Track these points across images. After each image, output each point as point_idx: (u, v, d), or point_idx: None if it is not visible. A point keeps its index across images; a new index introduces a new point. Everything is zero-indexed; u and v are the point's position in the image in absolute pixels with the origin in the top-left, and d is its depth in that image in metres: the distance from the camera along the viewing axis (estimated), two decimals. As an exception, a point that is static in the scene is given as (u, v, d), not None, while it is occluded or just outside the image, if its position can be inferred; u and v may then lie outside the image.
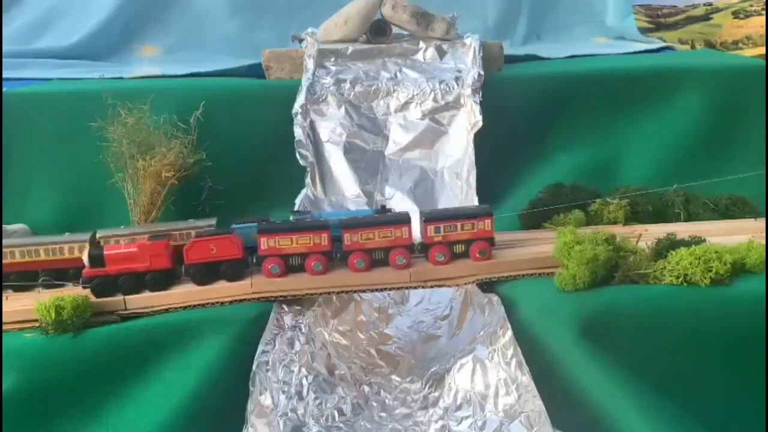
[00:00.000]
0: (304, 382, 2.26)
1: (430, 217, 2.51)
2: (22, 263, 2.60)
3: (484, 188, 3.09)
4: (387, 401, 2.40)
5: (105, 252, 2.40)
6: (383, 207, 2.73)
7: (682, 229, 2.59)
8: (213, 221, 2.65)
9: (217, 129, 3.18)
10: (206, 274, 2.43)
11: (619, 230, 2.70)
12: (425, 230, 2.50)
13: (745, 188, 3.05)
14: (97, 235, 2.60)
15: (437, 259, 2.49)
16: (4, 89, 3.34)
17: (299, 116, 3.22)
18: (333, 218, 2.55)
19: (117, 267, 2.38)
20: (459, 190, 3.17)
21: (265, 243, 2.44)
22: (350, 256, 2.46)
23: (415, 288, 2.51)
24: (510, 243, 2.69)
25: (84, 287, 2.40)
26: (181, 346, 2.22)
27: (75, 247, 2.60)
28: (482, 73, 3.35)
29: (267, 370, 2.19)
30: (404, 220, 2.50)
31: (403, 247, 2.48)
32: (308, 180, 3.14)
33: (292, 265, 2.46)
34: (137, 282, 2.39)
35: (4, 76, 3.72)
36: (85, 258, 2.41)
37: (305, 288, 2.46)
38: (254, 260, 2.49)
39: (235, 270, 2.45)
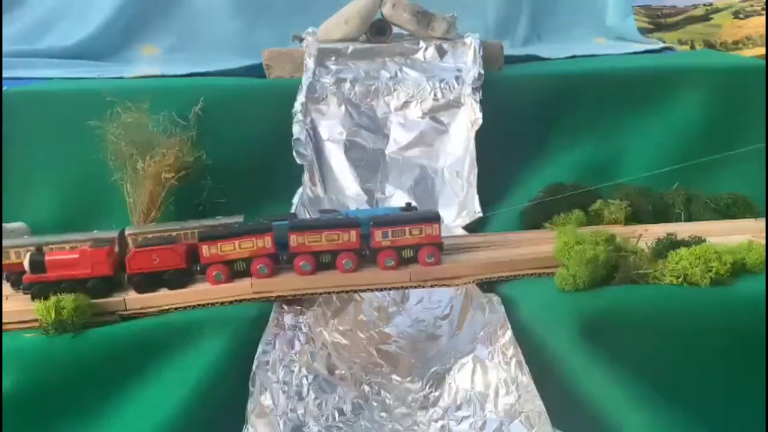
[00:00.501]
0: (304, 382, 2.26)
1: (377, 222, 2.48)
2: None
3: (484, 187, 3.09)
4: (387, 401, 2.40)
5: (46, 258, 2.35)
6: (408, 204, 2.72)
7: (683, 229, 2.59)
8: (240, 218, 2.63)
9: (217, 128, 3.18)
10: (149, 283, 2.40)
11: (620, 230, 2.70)
12: (373, 235, 2.47)
13: (745, 188, 3.05)
14: (126, 232, 2.58)
15: (386, 264, 2.46)
16: (4, 89, 3.33)
17: (299, 115, 3.22)
18: (363, 216, 2.56)
19: (58, 273, 2.34)
20: (459, 189, 3.17)
21: (294, 240, 2.44)
22: (378, 254, 2.46)
23: (415, 288, 2.51)
24: (510, 243, 2.70)
25: (24, 293, 2.36)
26: (181, 346, 2.22)
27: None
28: (482, 72, 3.35)
29: (267, 370, 2.19)
30: (433, 217, 2.50)
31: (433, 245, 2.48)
32: (306, 178, 3.14)
33: (322, 262, 2.46)
34: (77, 289, 2.33)
35: (4, 75, 3.71)
36: (26, 263, 2.36)
37: (305, 288, 2.45)
38: (284, 258, 2.48)
39: (178, 279, 2.42)
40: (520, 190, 3.23)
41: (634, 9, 5.16)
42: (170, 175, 2.93)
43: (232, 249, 2.42)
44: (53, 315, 2.19)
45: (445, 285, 2.53)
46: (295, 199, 3.08)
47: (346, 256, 2.45)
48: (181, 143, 3.02)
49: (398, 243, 2.47)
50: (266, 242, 2.44)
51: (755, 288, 2.25)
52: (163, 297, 2.37)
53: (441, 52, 3.51)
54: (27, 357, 2.13)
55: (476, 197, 3.09)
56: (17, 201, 3.22)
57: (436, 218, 2.50)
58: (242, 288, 2.40)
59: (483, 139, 3.19)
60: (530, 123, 3.46)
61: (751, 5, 5.18)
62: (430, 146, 3.29)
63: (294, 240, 2.44)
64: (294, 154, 3.15)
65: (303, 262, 2.44)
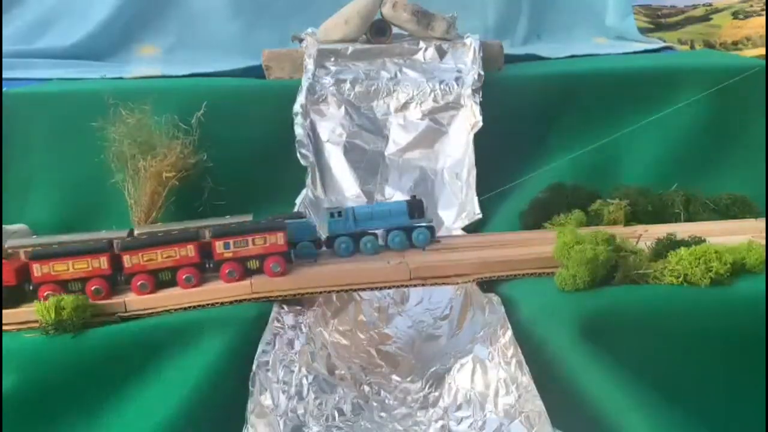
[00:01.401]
0: (304, 382, 2.26)
1: (218, 233, 2.42)
2: None
3: (484, 188, 3.09)
4: (387, 401, 2.40)
5: None
6: (414, 197, 2.72)
7: (682, 229, 2.59)
8: (249, 217, 2.61)
9: (217, 129, 3.18)
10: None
11: (619, 230, 2.70)
12: (214, 246, 2.42)
13: (745, 188, 3.06)
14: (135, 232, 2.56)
15: (229, 276, 2.40)
16: (4, 89, 3.33)
17: (299, 116, 3.22)
18: (361, 212, 2.61)
19: None
20: (459, 190, 3.17)
21: (129, 261, 2.36)
22: (221, 265, 2.40)
23: (415, 286, 2.51)
24: (510, 243, 2.70)
25: None
26: (181, 346, 2.22)
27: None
28: (482, 73, 3.35)
29: (267, 370, 2.19)
30: (278, 226, 2.44)
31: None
32: (309, 180, 3.14)
33: (162, 280, 2.40)
34: None
35: (4, 76, 3.71)
36: None
37: (305, 287, 2.46)
38: (210, 265, 2.44)
39: (9, 297, 2.32)
40: (520, 191, 3.23)
41: (634, 9, 5.17)
42: (171, 174, 2.93)
43: (155, 259, 2.38)
44: (53, 315, 2.19)
45: (445, 284, 2.53)
46: (298, 200, 3.08)
47: (186, 272, 2.39)
48: (182, 143, 3.02)
49: (241, 254, 2.42)
50: (189, 251, 2.40)
51: (755, 288, 2.25)
52: (163, 297, 2.37)
53: (441, 53, 3.51)
54: (27, 357, 2.13)
55: (476, 199, 3.09)
56: (17, 202, 3.22)
57: (280, 227, 2.45)
58: (242, 288, 2.40)
59: (483, 139, 3.19)
60: (530, 123, 3.46)
61: (751, 6, 5.19)
62: (429, 148, 3.29)
63: (128, 261, 2.37)
64: (298, 155, 3.15)
65: (141, 282, 2.36)
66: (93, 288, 2.35)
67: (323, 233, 2.68)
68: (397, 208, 2.68)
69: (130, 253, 2.37)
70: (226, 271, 2.40)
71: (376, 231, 2.67)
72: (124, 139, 2.96)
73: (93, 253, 2.36)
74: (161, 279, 2.40)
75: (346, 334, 2.68)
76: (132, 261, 2.38)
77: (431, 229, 2.69)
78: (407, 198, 2.76)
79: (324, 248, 2.66)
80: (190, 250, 2.40)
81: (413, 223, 2.67)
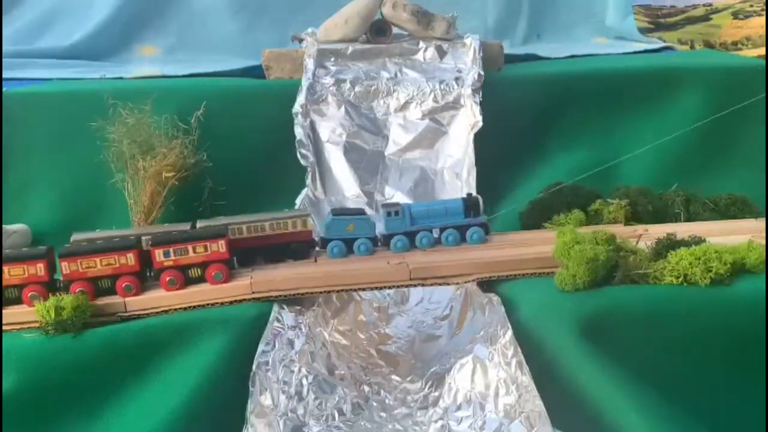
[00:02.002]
0: (304, 382, 2.25)
1: (157, 241, 2.40)
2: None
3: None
4: (387, 401, 2.40)
5: None
6: (470, 195, 2.74)
7: (682, 229, 2.59)
8: (308, 213, 2.65)
9: (217, 129, 3.18)
10: None
11: (619, 230, 2.70)
12: (153, 255, 2.39)
13: (745, 188, 3.05)
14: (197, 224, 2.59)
15: (169, 285, 2.36)
16: (4, 89, 3.34)
17: (299, 116, 3.22)
18: (417, 209, 2.64)
19: None
20: (459, 191, 3.17)
21: (66, 267, 2.32)
22: (161, 274, 2.38)
23: (415, 286, 2.51)
24: (510, 243, 2.70)
25: None
26: (181, 346, 2.22)
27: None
28: (482, 73, 3.35)
29: (267, 370, 2.19)
30: (218, 234, 2.41)
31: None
32: (309, 180, 3.14)
33: (101, 288, 2.36)
34: None
35: (4, 76, 3.72)
36: None
37: (305, 287, 2.46)
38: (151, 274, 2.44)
39: None
40: (519, 191, 3.23)
41: (634, 9, 5.17)
42: (171, 174, 2.93)
43: (94, 266, 2.35)
44: (53, 315, 2.18)
45: (445, 284, 2.53)
46: (298, 200, 3.08)
47: (125, 280, 2.35)
48: (181, 143, 3.02)
49: (182, 262, 2.38)
50: (129, 259, 2.38)
51: (755, 288, 2.25)
52: (163, 298, 2.37)
53: (441, 53, 3.51)
54: (27, 357, 2.13)
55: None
56: (17, 203, 3.23)
57: (221, 234, 2.42)
58: (242, 288, 2.40)
59: (483, 139, 3.19)
60: (530, 123, 3.46)
61: (751, 6, 5.19)
62: (429, 148, 3.29)
63: (66, 267, 2.32)
64: (298, 155, 3.15)
65: (79, 289, 2.31)
66: (123, 285, 2.36)
67: (321, 232, 2.69)
68: (453, 206, 2.70)
69: (68, 260, 2.33)
70: (167, 280, 2.37)
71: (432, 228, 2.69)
72: (123, 139, 2.96)
73: (121, 251, 2.36)
74: (100, 287, 2.35)
75: (346, 334, 2.68)
76: (70, 268, 2.33)
77: (485, 228, 2.71)
78: (464, 196, 2.77)
79: (380, 245, 2.69)
80: (129, 258, 2.36)
81: (468, 221, 2.69)
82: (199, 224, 2.59)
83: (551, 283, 2.35)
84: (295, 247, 2.59)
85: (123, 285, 2.35)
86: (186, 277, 2.40)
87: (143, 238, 2.47)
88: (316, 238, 2.67)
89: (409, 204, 2.73)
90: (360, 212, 2.71)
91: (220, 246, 2.40)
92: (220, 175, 3.14)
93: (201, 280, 2.40)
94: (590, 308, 2.20)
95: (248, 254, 2.57)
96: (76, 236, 2.50)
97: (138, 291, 2.37)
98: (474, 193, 2.79)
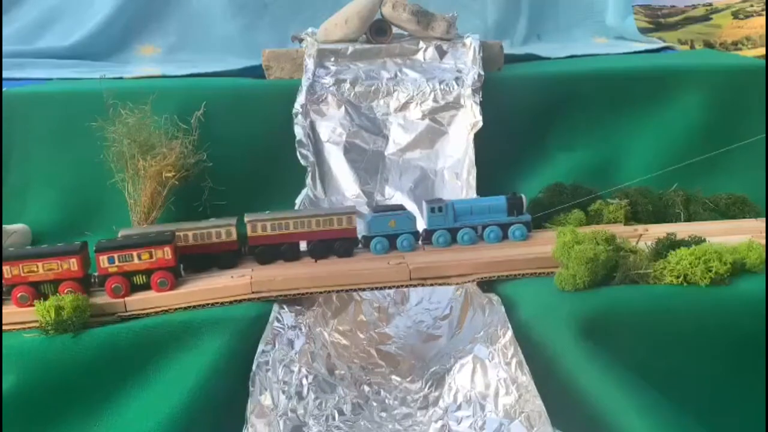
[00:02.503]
0: (304, 382, 2.26)
1: (101, 247, 2.36)
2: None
3: (484, 188, 3.09)
4: (387, 401, 2.40)
5: None
6: (514, 194, 2.76)
7: (682, 229, 2.59)
8: (354, 210, 2.68)
9: (217, 129, 3.18)
10: None
11: (619, 230, 2.70)
12: (98, 261, 2.35)
13: (745, 188, 3.05)
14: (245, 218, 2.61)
15: (115, 293, 2.34)
16: (4, 89, 3.33)
17: (299, 116, 3.22)
18: (460, 206, 2.68)
19: None
20: (459, 190, 3.17)
21: (8, 272, 2.30)
22: (106, 281, 2.34)
23: (415, 286, 2.51)
24: (510, 243, 2.70)
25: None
26: (181, 346, 2.22)
27: (222, 232, 2.58)
28: (482, 73, 3.35)
29: (267, 370, 2.19)
30: (164, 240, 2.39)
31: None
32: (309, 180, 3.14)
33: (43, 292, 2.33)
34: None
35: (4, 76, 3.71)
36: None
37: (305, 287, 2.46)
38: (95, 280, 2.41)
39: None
40: (519, 191, 3.22)
41: (634, 9, 5.17)
42: (171, 174, 2.92)
43: (35, 271, 2.32)
44: (53, 315, 2.18)
45: (445, 284, 2.53)
46: (298, 200, 3.08)
47: (68, 285, 2.32)
48: (181, 143, 3.02)
49: (126, 268, 2.36)
50: (72, 264, 2.33)
51: (755, 288, 2.25)
52: (163, 297, 2.37)
53: (441, 53, 3.51)
54: (27, 357, 2.13)
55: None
56: (17, 202, 3.22)
57: (167, 241, 2.40)
58: (242, 288, 2.41)
59: (483, 139, 3.18)
60: (530, 123, 3.46)
61: (751, 5, 5.19)
62: (429, 148, 3.29)
63: (8, 272, 2.29)
64: (298, 155, 3.15)
65: (21, 294, 2.29)
66: (66, 290, 2.32)
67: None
68: (496, 204, 2.73)
69: (10, 264, 2.30)
70: (112, 286, 2.35)
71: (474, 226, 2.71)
72: (123, 139, 2.96)
73: (64, 256, 2.32)
74: (43, 292, 2.32)
75: (346, 334, 2.68)
76: (12, 272, 2.30)
77: (528, 226, 2.73)
78: (507, 195, 2.79)
79: (422, 241, 2.72)
80: (72, 264, 2.34)
81: (511, 219, 2.71)
82: (265, 215, 2.62)
83: (551, 283, 2.35)
84: (340, 245, 2.63)
85: (65, 291, 2.32)
86: (131, 283, 2.37)
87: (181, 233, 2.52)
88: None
89: (453, 200, 2.76)
90: (401, 208, 2.74)
91: (166, 253, 2.38)
92: (220, 175, 3.13)
93: (146, 287, 2.37)
94: (590, 308, 2.20)
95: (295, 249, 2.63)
96: (123, 232, 2.53)
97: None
98: (519, 193, 2.81)
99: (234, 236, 2.58)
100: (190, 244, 2.55)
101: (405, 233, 2.66)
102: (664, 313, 2.21)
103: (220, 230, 2.57)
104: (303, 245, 2.66)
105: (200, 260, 2.56)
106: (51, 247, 2.39)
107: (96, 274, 2.39)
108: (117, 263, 2.36)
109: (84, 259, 2.36)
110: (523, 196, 2.77)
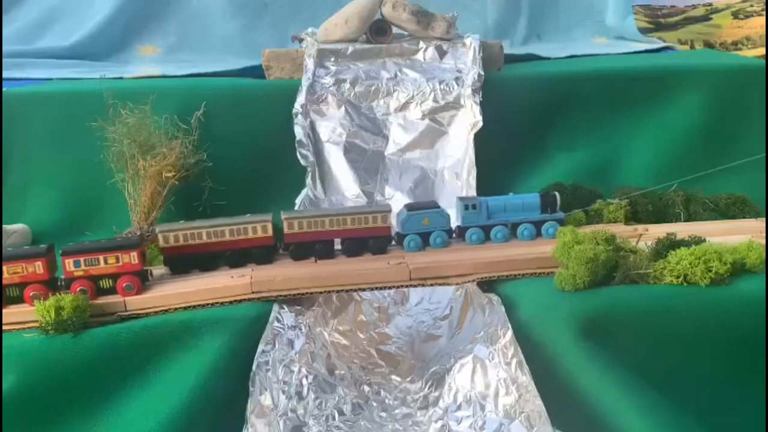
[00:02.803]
0: (304, 382, 2.26)
1: (67, 251, 2.35)
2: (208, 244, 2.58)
3: (484, 188, 3.09)
4: (387, 401, 2.40)
5: None
6: (548, 192, 2.77)
7: (682, 229, 2.59)
8: (388, 209, 2.68)
9: (217, 129, 3.18)
10: None
11: (619, 230, 2.70)
12: (64, 264, 2.34)
13: (745, 188, 3.05)
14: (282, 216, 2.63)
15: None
16: (4, 89, 3.34)
17: (299, 116, 3.22)
18: (494, 203, 2.70)
19: None
20: (459, 190, 3.17)
21: None
22: (72, 284, 2.32)
23: (415, 286, 2.51)
24: (510, 243, 2.70)
25: None
26: (181, 346, 2.22)
27: (258, 227, 2.60)
28: (482, 73, 3.35)
29: (267, 370, 2.19)
30: (132, 245, 2.39)
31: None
32: (309, 180, 3.14)
33: (10, 296, 2.33)
34: None
35: (4, 76, 3.72)
36: None
37: (305, 287, 2.46)
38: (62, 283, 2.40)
39: None
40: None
41: (634, 9, 5.17)
42: (171, 174, 2.92)
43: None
44: (53, 315, 2.18)
45: (445, 284, 2.53)
46: (298, 200, 3.08)
47: (33, 289, 2.31)
48: (181, 143, 3.02)
49: (92, 272, 2.34)
50: (37, 267, 2.31)
51: (755, 288, 2.25)
52: (163, 297, 2.37)
53: (441, 53, 3.51)
54: (27, 357, 2.13)
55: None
56: (17, 202, 3.22)
57: (134, 245, 2.39)
58: (242, 288, 2.41)
59: (483, 139, 3.19)
60: (530, 123, 3.46)
61: (751, 5, 5.19)
62: (429, 148, 3.29)
63: None
64: (298, 155, 3.15)
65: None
66: (30, 294, 2.32)
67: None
68: (530, 201, 2.74)
69: None
70: (77, 290, 2.33)
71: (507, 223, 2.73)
72: (123, 139, 2.96)
73: (29, 259, 2.31)
74: (9, 295, 2.31)
75: (346, 334, 2.68)
76: None
77: (561, 223, 2.74)
78: (540, 192, 2.82)
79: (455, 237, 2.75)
80: (38, 267, 2.33)
81: (545, 216, 2.73)
82: (303, 212, 2.70)
83: (551, 283, 2.35)
84: (374, 242, 2.64)
85: (30, 294, 2.32)
86: (97, 287, 2.36)
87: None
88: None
89: (486, 198, 2.77)
90: (434, 206, 2.74)
91: (132, 257, 2.37)
92: (220, 175, 3.14)
93: (113, 291, 2.36)
94: (590, 308, 2.20)
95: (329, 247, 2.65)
96: (161, 227, 2.57)
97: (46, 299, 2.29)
98: (554, 192, 2.81)
99: (270, 232, 2.60)
100: (226, 240, 2.57)
101: (438, 230, 2.67)
102: (664, 313, 2.20)
103: (256, 226, 2.59)
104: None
105: (235, 256, 2.58)
106: (16, 250, 2.38)
107: (62, 277, 2.38)
108: (83, 267, 2.35)
109: (50, 262, 2.35)
110: (556, 193, 2.78)
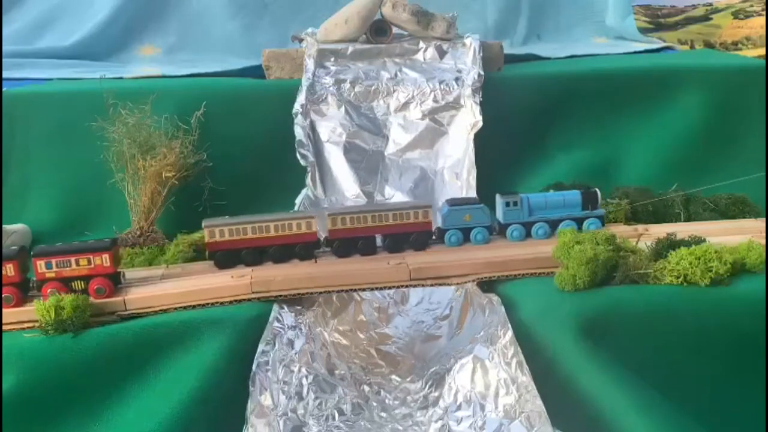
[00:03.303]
0: (304, 382, 2.25)
1: (39, 252, 2.33)
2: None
3: (484, 188, 3.09)
4: (387, 401, 2.40)
5: None
6: (588, 188, 2.77)
7: (682, 229, 2.59)
8: (428, 205, 2.70)
9: (217, 129, 3.18)
10: None
11: (619, 230, 2.70)
12: (36, 266, 2.32)
13: (745, 188, 3.05)
14: (326, 213, 2.65)
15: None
16: (4, 89, 3.33)
17: (299, 116, 3.22)
18: (535, 199, 2.70)
19: None
20: (459, 191, 3.17)
21: None
22: (43, 286, 2.31)
23: (415, 286, 2.51)
24: (510, 243, 2.70)
25: None
26: (181, 346, 2.22)
27: (302, 223, 2.61)
28: (482, 73, 3.35)
29: (267, 370, 2.19)
30: (103, 247, 2.35)
31: None
32: (308, 180, 3.14)
33: None
34: None
35: (4, 76, 3.71)
36: None
37: (305, 287, 2.46)
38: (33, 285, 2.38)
39: None
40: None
41: (634, 9, 5.17)
42: (171, 174, 2.92)
43: None
44: (53, 315, 2.18)
45: (445, 284, 2.53)
46: (298, 200, 3.08)
47: (5, 291, 2.28)
48: (181, 143, 3.02)
49: (64, 274, 2.32)
50: (8, 270, 2.29)
51: (755, 288, 2.25)
52: (163, 297, 2.37)
53: (441, 53, 3.51)
54: (27, 357, 2.13)
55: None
56: (17, 202, 3.22)
57: (106, 248, 2.36)
58: (242, 288, 2.41)
59: (483, 139, 3.19)
60: (530, 123, 3.46)
61: (751, 5, 5.19)
62: (429, 148, 3.29)
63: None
64: (298, 155, 3.15)
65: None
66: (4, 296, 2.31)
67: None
68: (571, 198, 2.74)
69: None
70: (48, 292, 2.31)
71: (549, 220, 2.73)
72: (123, 139, 2.96)
73: None
74: None
75: (346, 334, 2.68)
76: None
77: (602, 220, 2.74)
78: (582, 189, 2.81)
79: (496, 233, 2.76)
80: (9, 269, 2.31)
81: (586, 213, 2.73)
82: (345, 208, 2.74)
83: (551, 283, 2.35)
84: (416, 238, 2.66)
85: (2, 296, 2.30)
86: (69, 289, 2.33)
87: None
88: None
89: (528, 195, 2.77)
90: (475, 202, 2.76)
91: (104, 260, 2.35)
92: (220, 175, 3.13)
93: (84, 293, 2.34)
94: (590, 308, 2.20)
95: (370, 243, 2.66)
96: (206, 222, 2.61)
97: (18, 302, 2.31)
98: (593, 189, 2.81)
99: (314, 228, 2.62)
100: (271, 235, 2.59)
101: (479, 227, 2.68)
102: (664, 313, 2.21)
103: (300, 222, 2.60)
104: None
105: (280, 251, 2.60)
106: None
107: (34, 279, 2.37)
108: (55, 269, 2.33)
109: (21, 264, 2.34)
110: (597, 190, 2.78)
